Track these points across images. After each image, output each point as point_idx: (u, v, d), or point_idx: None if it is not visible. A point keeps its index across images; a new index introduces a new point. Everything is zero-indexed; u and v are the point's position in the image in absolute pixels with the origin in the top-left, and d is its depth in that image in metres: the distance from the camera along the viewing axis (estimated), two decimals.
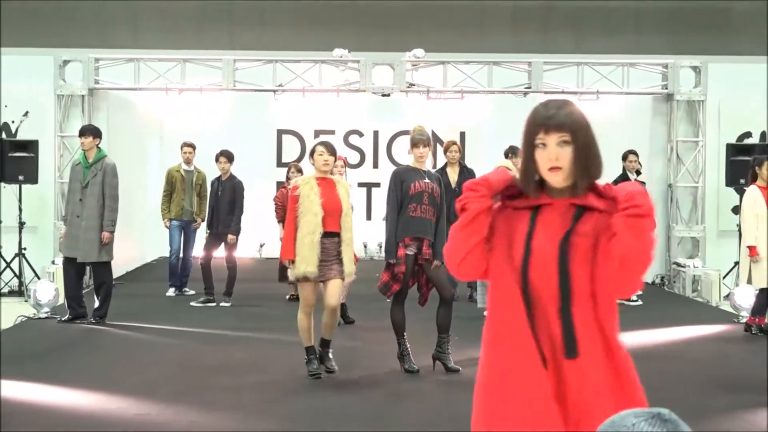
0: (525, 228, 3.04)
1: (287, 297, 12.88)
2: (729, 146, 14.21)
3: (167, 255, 13.96)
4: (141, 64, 14.55)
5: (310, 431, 6.67)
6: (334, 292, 8.10)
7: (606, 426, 1.74)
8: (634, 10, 17.99)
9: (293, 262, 8.00)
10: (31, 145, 13.51)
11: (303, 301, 8.12)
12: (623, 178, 13.27)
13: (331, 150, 8.26)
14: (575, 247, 2.97)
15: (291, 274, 8.12)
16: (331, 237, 8.01)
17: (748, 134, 14.67)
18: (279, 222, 12.87)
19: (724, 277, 13.62)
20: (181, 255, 13.54)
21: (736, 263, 12.86)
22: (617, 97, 15.18)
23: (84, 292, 11.56)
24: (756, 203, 10.12)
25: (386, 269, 8.41)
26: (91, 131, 11.18)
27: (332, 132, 18.78)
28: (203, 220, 13.34)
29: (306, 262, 7.85)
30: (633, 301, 13.00)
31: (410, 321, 8.58)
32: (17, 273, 13.73)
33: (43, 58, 14.65)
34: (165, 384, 7.93)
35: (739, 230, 11.04)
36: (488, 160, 12.45)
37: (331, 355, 8.31)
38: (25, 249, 13.68)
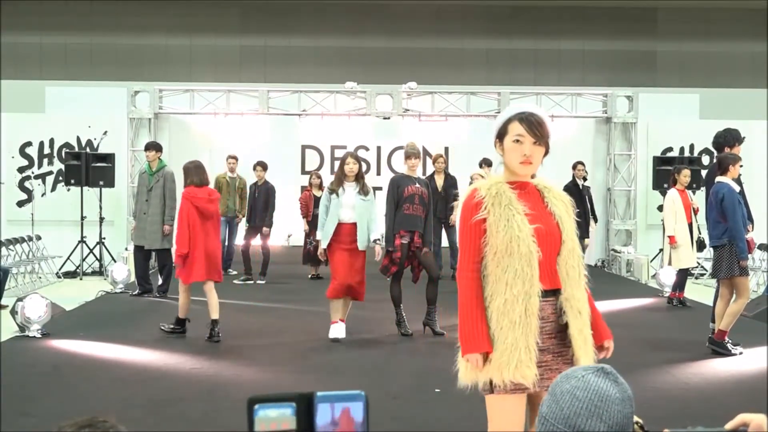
0: None
1: (309, 276, 12.87)
2: (655, 158, 14.18)
3: None
4: (195, 94, 14.53)
5: (329, 379, 6.67)
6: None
7: (560, 377, 1.74)
8: (581, 52, 17.98)
9: (487, 355, 2.95)
10: (109, 157, 13.48)
11: None
12: (573, 183, 13.25)
13: (538, 132, 3.38)
14: None
15: (479, 378, 2.98)
16: (546, 297, 3.01)
17: (669, 149, 14.63)
18: (303, 218, 12.85)
19: (651, 261, 13.60)
20: (226, 243, 13.51)
21: (660, 250, 12.85)
22: (568, 120, 15.13)
23: (150, 272, 11.55)
24: (674, 203, 10.11)
25: (386, 255, 8.41)
26: (154, 146, 11.16)
27: (344, 147, 18.67)
28: (244, 216, 13.31)
29: (519, 355, 2.89)
30: None
31: (405, 295, 8.59)
32: (98, 257, 13.72)
33: (119, 89, 14.62)
34: (213, 344, 7.93)
35: (663, 224, 11.01)
36: (466, 169, 12.44)
37: None
38: (104, 238, 13.66)
